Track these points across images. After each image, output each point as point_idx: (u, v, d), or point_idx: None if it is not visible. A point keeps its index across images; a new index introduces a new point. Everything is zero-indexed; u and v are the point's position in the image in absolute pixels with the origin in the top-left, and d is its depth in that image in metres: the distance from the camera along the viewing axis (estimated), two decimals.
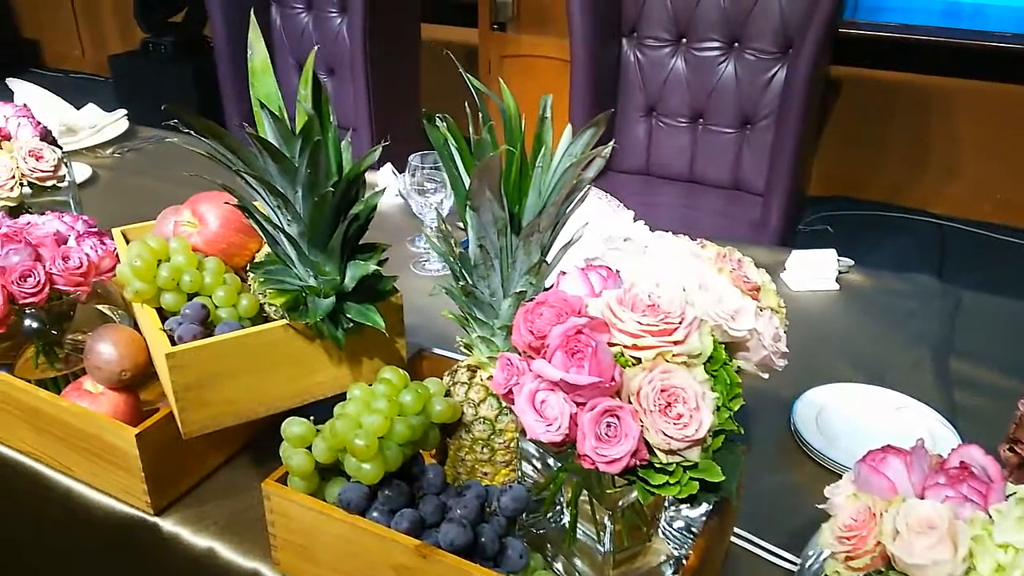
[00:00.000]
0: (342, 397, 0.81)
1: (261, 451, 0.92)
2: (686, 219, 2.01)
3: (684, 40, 2.10)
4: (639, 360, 0.59)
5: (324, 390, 0.83)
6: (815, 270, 1.25)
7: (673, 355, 0.58)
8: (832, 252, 1.28)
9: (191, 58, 3.89)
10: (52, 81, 5.04)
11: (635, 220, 1.24)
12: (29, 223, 0.95)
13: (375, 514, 0.70)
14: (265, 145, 0.63)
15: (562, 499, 0.71)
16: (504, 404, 0.75)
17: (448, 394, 0.78)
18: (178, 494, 0.87)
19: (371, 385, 0.74)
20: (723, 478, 0.59)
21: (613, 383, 0.57)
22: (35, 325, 0.95)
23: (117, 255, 0.96)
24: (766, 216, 1.96)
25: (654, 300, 0.59)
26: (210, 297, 0.81)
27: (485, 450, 0.76)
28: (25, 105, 1.16)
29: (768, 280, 0.69)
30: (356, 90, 2.48)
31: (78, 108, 1.94)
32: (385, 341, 0.84)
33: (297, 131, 0.64)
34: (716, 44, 2.06)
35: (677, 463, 0.58)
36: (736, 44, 2.05)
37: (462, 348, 0.80)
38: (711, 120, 2.12)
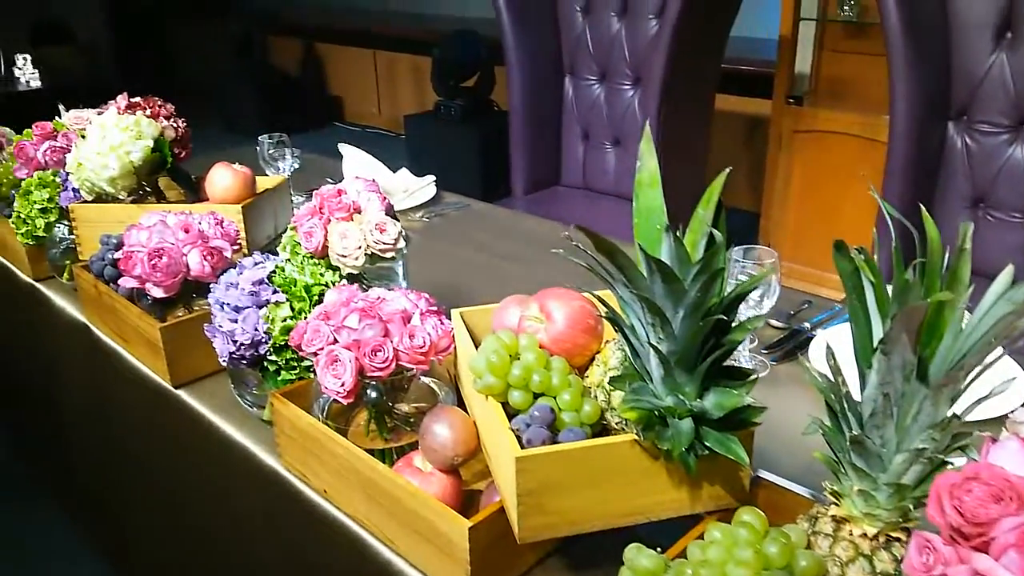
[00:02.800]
0: (679, 519, 0.76)
1: (572, 556, 0.89)
2: None
3: None
4: None
5: (660, 511, 0.78)
6: None
7: None
8: None
9: (478, 121, 4.15)
10: (350, 134, 5.64)
11: None
12: (380, 299, 1.00)
13: None
14: (660, 266, 0.60)
15: None
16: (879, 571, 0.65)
17: (807, 545, 0.69)
18: None
19: (721, 520, 0.68)
20: None
21: None
22: (373, 395, 0.99)
23: (453, 336, 0.99)
24: None
25: None
26: (554, 399, 0.79)
27: None
28: (374, 180, 1.25)
29: None
30: None
31: (393, 171, 2.10)
32: (731, 467, 0.77)
33: (697, 257, 0.60)
34: None
35: None
36: None
37: (828, 494, 0.71)
38: None
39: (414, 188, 2.00)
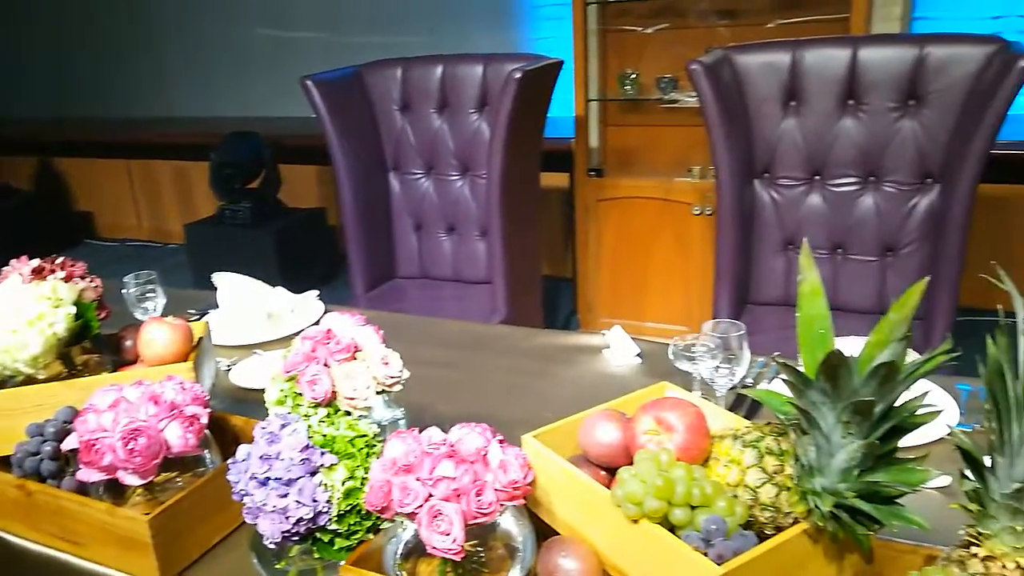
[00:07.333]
0: None
1: None
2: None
3: (818, 176, 2.23)
4: None
5: None
6: None
7: None
8: None
9: (267, 222, 3.98)
10: (107, 250, 5.12)
11: None
12: (445, 441, 0.96)
13: None
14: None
15: None
16: None
17: None
18: None
19: None
20: None
21: None
22: None
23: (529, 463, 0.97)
24: None
25: None
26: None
27: None
28: (359, 314, 1.19)
29: None
30: (491, 247, 2.56)
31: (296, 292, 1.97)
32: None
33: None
34: (852, 179, 2.19)
35: None
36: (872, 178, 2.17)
37: (967, 537, 0.81)
38: (852, 249, 2.22)
39: (299, 306, 1.90)
